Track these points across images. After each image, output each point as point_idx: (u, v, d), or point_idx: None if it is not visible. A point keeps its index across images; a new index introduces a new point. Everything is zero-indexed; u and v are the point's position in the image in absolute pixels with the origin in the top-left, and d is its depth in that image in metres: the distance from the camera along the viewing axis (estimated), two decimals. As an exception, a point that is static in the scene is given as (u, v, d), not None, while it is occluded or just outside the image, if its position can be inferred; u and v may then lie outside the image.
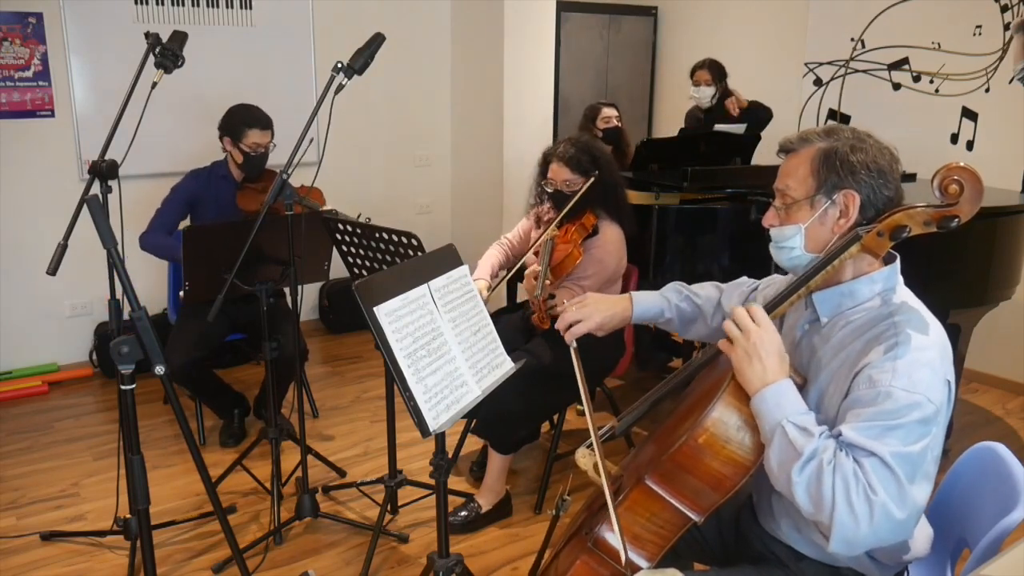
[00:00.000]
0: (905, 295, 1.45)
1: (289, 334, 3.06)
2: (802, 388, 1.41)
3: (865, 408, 1.31)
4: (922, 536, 1.52)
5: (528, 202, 3.01)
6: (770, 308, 1.45)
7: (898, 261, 1.47)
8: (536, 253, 2.83)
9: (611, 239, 2.82)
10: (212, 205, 3.33)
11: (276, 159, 2.63)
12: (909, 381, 1.29)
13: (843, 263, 1.42)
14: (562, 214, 2.73)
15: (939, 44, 4.24)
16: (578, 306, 1.78)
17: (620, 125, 4.22)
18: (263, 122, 3.22)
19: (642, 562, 1.49)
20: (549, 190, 2.83)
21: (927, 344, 1.34)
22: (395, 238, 2.41)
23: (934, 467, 1.37)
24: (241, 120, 3.21)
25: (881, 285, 1.44)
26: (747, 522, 1.67)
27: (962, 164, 1.34)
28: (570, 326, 1.76)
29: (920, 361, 1.31)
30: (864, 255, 1.42)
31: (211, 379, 3.36)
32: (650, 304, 1.83)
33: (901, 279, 1.47)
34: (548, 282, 2.51)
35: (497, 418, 2.69)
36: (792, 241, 1.48)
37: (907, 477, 1.26)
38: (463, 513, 2.79)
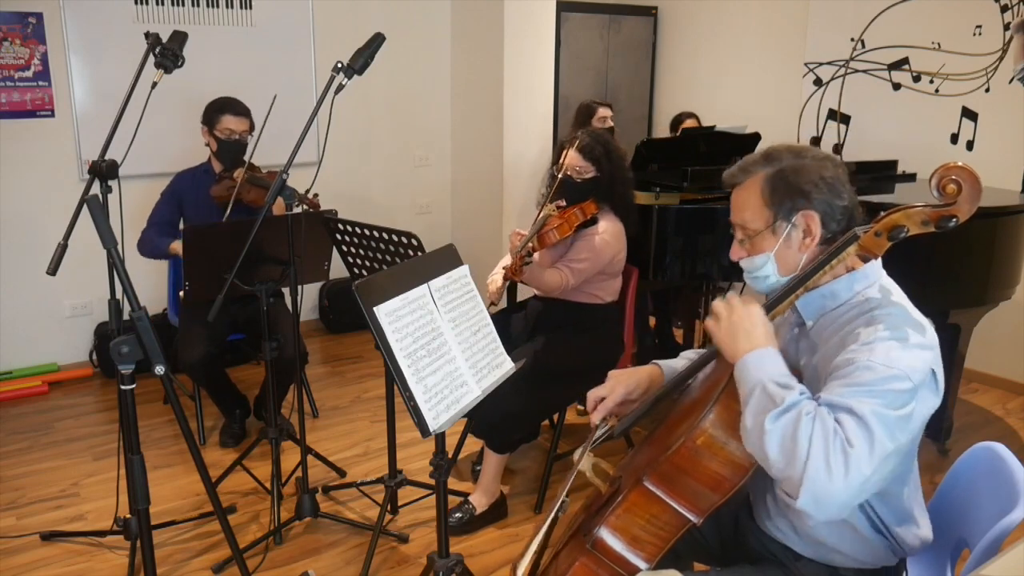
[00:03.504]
0: (891, 291, 1.45)
1: (289, 334, 3.06)
2: None
3: (844, 379, 1.31)
4: (925, 530, 1.53)
5: (540, 191, 3.04)
6: (769, 308, 1.46)
7: (879, 259, 1.47)
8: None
9: (609, 230, 2.84)
10: (194, 200, 3.37)
11: (276, 159, 2.63)
12: (887, 358, 1.30)
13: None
14: (555, 187, 2.79)
15: (939, 44, 4.24)
16: (602, 386, 1.73)
17: (613, 126, 4.26)
18: (237, 109, 3.28)
19: (641, 563, 1.49)
20: (559, 175, 2.86)
21: (907, 335, 1.34)
22: (395, 238, 2.41)
23: (910, 446, 1.38)
24: (216, 107, 3.28)
25: (862, 283, 1.45)
26: (745, 522, 1.68)
27: (960, 164, 1.34)
28: (596, 406, 1.71)
29: (898, 346, 1.31)
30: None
31: (223, 376, 3.40)
32: (676, 363, 1.80)
33: (884, 274, 1.48)
34: (531, 245, 2.73)
35: (497, 418, 2.69)
36: (764, 269, 1.51)
37: (883, 438, 1.25)
38: (457, 515, 2.78)
